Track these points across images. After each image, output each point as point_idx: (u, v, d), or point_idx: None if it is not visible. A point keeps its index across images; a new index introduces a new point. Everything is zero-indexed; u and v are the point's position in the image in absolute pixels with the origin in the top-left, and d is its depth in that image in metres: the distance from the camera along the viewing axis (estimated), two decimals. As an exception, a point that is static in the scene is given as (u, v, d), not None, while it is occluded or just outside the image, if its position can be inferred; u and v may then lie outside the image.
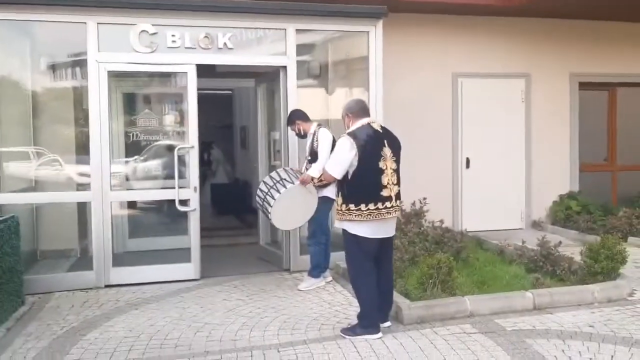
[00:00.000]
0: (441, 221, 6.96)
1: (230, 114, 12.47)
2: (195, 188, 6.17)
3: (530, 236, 7.03)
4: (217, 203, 10.37)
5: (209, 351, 4.20)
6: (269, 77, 7.34)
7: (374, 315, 4.36)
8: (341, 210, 4.31)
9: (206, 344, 4.35)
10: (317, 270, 5.80)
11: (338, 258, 6.21)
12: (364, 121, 4.40)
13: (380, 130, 4.38)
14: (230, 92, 11.95)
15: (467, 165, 8.58)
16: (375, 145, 4.27)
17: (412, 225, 6.88)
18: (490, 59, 8.50)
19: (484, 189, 8.57)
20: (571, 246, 6.87)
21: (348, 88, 7.54)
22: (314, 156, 5.64)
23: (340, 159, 4.26)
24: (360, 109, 4.48)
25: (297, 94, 6.46)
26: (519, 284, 5.44)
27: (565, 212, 8.65)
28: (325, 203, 5.71)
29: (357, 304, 4.90)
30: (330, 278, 5.96)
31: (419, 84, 8.23)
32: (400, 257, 5.84)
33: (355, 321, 4.47)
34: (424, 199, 7.56)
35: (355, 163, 4.22)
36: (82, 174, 6.27)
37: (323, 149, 5.53)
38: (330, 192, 5.75)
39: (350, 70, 7.50)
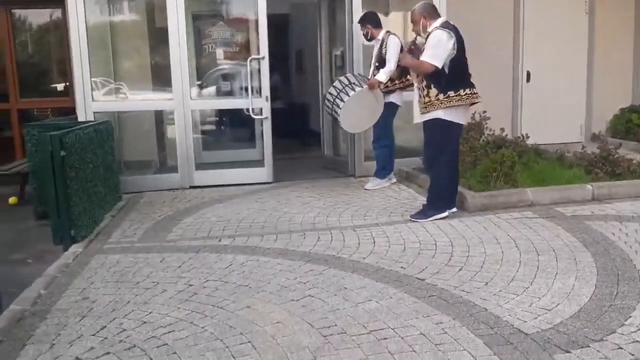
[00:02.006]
0: (502, 129, 7.17)
1: (286, 38, 12.70)
2: (267, 97, 6.58)
3: (590, 148, 7.16)
4: (276, 127, 10.81)
5: (292, 230, 4.71)
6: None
7: (445, 196, 4.82)
8: (438, 99, 4.63)
9: (289, 225, 4.86)
10: (383, 171, 6.19)
11: (402, 163, 6.59)
12: (441, 19, 4.72)
13: (456, 27, 4.66)
14: (285, 15, 12.14)
15: (528, 79, 8.64)
16: (460, 37, 4.63)
17: (473, 133, 7.11)
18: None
19: (545, 102, 8.63)
20: (630, 154, 6.97)
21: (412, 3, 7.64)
22: (381, 62, 5.91)
23: (442, 48, 4.55)
24: (434, 10, 4.82)
25: (361, 9, 6.65)
26: (579, 183, 5.68)
27: (625, 125, 8.68)
28: (390, 108, 6.02)
29: (423, 198, 5.32)
30: (394, 180, 6.34)
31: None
32: (462, 159, 6.14)
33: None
34: (484, 112, 7.73)
35: (454, 52, 4.56)
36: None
37: (392, 54, 5.79)
38: (396, 98, 6.07)
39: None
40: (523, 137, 6.61)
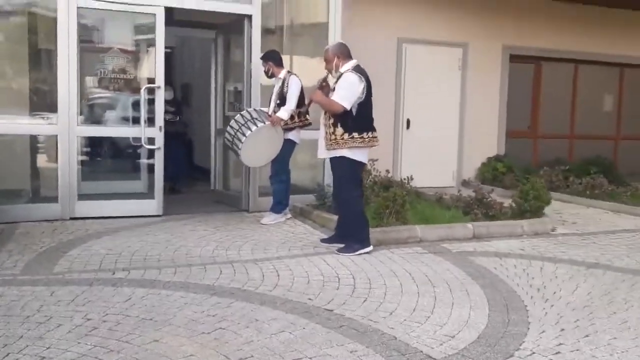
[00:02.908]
0: (387, 171, 7.57)
1: (169, 72, 12.50)
2: (160, 127, 6.42)
3: (463, 192, 7.77)
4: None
5: (192, 264, 4.57)
6: (229, 28, 7.61)
7: (366, 229, 4.98)
8: (342, 139, 4.79)
9: (187, 259, 4.72)
10: (279, 206, 6.25)
11: (295, 200, 6.69)
12: (353, 62, 4.93)
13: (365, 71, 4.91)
14: (169, 50, 12.00)
15: (408, 126, 9.24)
16: (369, 82, 4.88)
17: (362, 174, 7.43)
18: (432, 27, 9.14)
19: (422, 148, 9.26)
20: (500, 199, 7.65)
21: (305, 46, 7.93)
22: (282, 100, 6.04)
23: (353, 91, 4.76)
24: (348, 51, 5.00)
25: (260, 44, 6.78)
26: (459, 222, 6.12)
27: (492, 173, 9.53)
28: (288, 145, 6.15)
29: (319, 233, 5.45)
30: (289, 215, 6.42)
31: (366, 47, 8.68)
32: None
33: (338, 245, 5.03)
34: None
35: (363, 96, 4.77)
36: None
37: (293, 93, 5.96)
38: (295, 136, 6.21)
39: (309, 30, 7.89)
40: (408, 179, 7.01)
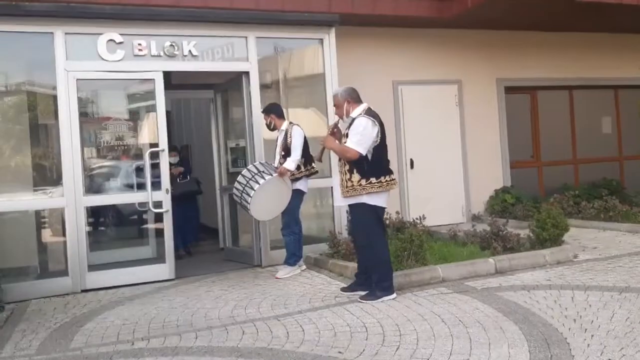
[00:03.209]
0: (397, 212, 7.49)
1: (169, 134, 12.55)
2: (167, 190, 6.36)
3: (475, 227, 7.66)
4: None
5: (212, 326, 4.42)
6: (226, 86, 7.67)
7: (391, 276, 4.84)
8: (360, 185, 4.70)
9: (206, 322, 4.57)
10: (293, 258, 6.13)
11: (307, 250, 6.57)
12: (364, 106, 4.88)
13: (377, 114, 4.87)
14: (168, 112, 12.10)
15: (412, 166, 9.20)
16: (382, 125, 4.81)
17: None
18: (426, 67, 9.23)
19: (428, 187, 9.20)
20: (514, 230, 7.54)
21: (303, 97, 7.98)
22: (287, 152, 6.01)
23: (367, 135, 4.68)
24: (358, 96, 4.95)
25: (259, 98, 6.81)
26: (477, 257, 5.99)
27: (501, 205, 9.44)
28: (297, 195, 6.08)
29: (338, 282, 5.33)
30: (304, 267, 6.29)
31: (362, 91, 8.77)
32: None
33: (359, 293, 4.91)
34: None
35: (378, 139, 4.71)
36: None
37: (297, 143, 5.93)
38: (302, 185, 6.15)
39: (305, 81, 7.96)
40: (420, 218, 6.92)
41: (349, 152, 4.71)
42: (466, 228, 7.39)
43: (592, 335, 3.62)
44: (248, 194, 5.70)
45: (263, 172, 5.79)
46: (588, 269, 5.46)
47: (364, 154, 4.68)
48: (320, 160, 5.55)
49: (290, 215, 6.10)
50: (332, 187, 7.14)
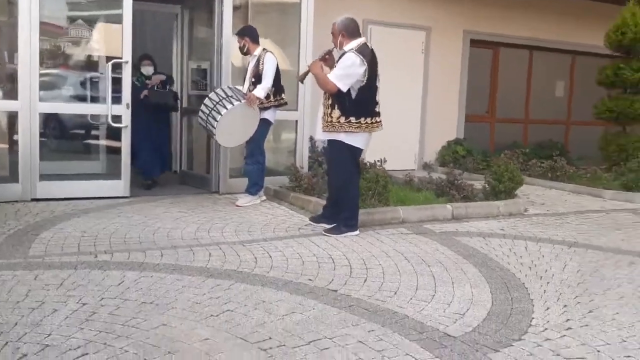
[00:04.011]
0: (357, 153, 7.53)
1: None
2: (127, 105, 6.10)
3: (424, 175, 7.83)
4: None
5: (176, 246, 4.38)
6: (194, 3, 7.33)
7: (357, 215, 4.89)
8: (339, 122, 4.64)
9: (169, 241, 4.52)
10: (255, 187, 6.09)
11: (267, 182, 6.54)
12: (360, 40, 4.72)
13: (374, 51, 4.74)
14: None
15: (372, 108, 9.19)
16: (374, 64, 4.69)
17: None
18: (398, 10, 9.15)
19: (385, 132, 9.20)
20: (468, 181, 7.77)
21: (275, 26, 7.74)
22: (258, 79, 5.85)
23: (351, 73, 4.56)
24: (355, 29, 4.75)
25: (231, 19, 6.53)
26: (434, 203, 6.16)
27: (452, 156, 9.68)
28: (263, 125, 5.98)
29: (300, 216, 5.37)
30: (264, 197, 6.27)
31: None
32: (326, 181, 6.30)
33: (324, 226, 4.96)
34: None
35: (364, 80, 4.58)
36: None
37: (269, 71, 5.78)
38: (270, 115, 6.05)
39: (278, 9, 7.70)
40: (381, 161, 6.98)
41: (329, 84, 4.63)
42: (419, 175, 7.56)
43: (548, 283, 3.84)
44: (215, 118, 5.55)
45: (231, 97, 5.64)
46: (538, 223, 5.74)
47: (343, 89, 4.60)
48: (302, 81, 5.43)
49: (256, 144, 6.02)
50: (296, 121, 7.09)
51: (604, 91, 9.69)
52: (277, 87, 6.00)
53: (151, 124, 6.72)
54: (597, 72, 9.42)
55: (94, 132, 6.74)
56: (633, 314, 3.33)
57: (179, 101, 7.31)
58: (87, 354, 2.52)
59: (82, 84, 6.61)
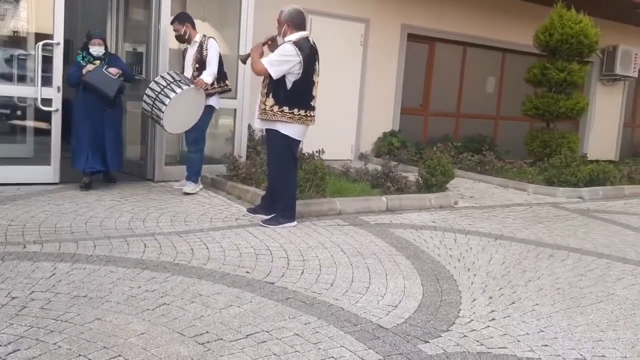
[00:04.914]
0: (295, 142, 7.57)
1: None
2: (58, 88, 5.88)
3: (360, 166, 7.99)
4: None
5: (110, 236, 4.30)
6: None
7: (295, 206, 4.94)
8: (272, 110, 4.67)
9: (102, 231, 4.43)
10: (197, 176, 6.03)
11: (204, 170, 6.47)
12: (302, 34, 4.75)
13: (314, 46, 4.76)
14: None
15: (310, 98, 9.25)
16: (312, 59, 4.72)
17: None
18: (338, 1, 9.20)
19: (322, 122, 9.30)
20: (403, 173, 7.99)
21: (213, 12, 7.62)
22: (202, 64, 5.78)
23: (284, 60, 4.59)
24: (301, 22, 4.78)
25: (170, 3, 6.40)
26: (369, 194, 6.31)
27: (387, 147, 9.90)
28: (208, 112, 5.93)
29: (237, 205, 5.38)
30: (201, 186, 6.22)
31: (274, 14, 8.58)
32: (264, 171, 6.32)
33: (261, 217, 4.99)
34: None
35: (298, 72, 4.62)
36: None
37: (213, 57, 5.74)
38: (214, 101, 6.01)
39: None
40: (320, 152, 7.07)
41: (258, 65, 4.66)
42: (355, 166, 7.70)
43: (475, 275, 4.04)
44: (163, 102, 5.43)
45: (180, 81, 5.54)
46: (467, 215, 5.99)
47: (273, 75, 4.62)
48: (244, 62, 5.39)
49: (199, 132, 5.96)
50: (235, 109, 7.05)
51: (531, 88, 10.16)
52: (221, 73, 5.96)
53: (91, 109, 5.82)
54: (526, 71, 9.86)
55: (21, 114, 6.44)
56: (551, 305, 3.57)
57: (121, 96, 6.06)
58: (19, 349, 2.47)
59: (8, 62, 6.29)
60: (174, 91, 5.42)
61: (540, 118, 9.66)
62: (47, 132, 6.00)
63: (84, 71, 5.71)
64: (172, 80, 5.53)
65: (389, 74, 10.06)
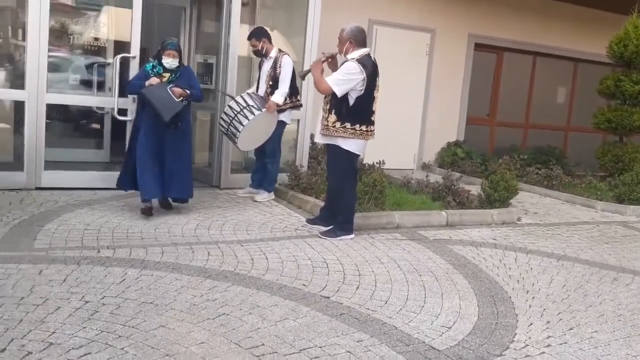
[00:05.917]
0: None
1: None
2: (134, 98, 6.20)
3: (422, 176, 7.96)
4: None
5: (177, 243, 4.52)
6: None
7: (353, 219, 5.05)
8: (334, 127, 4.79)
9: (170, 238, 4.65)
10: (272, 185, 6.25)
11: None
12: (364, 51, 4.86)
13: (375, 62, 4.86)
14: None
15: (374, 108, 9.30)
16: (374, 75, 4.83)
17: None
18: (404, 11, 9.21)
19: (386, 131, 9.34)
20: (466, 186, 7.90)
21: (282, 23, 7.82)
22: (275, 82, 5.95)
23: (348, 79, 4.70)
24: (363, 39, 4.90)
25: (239, 15, 6.61)
26: (429, 208, 6.29)
27: (451, 157, 9.80)
28: (280, 126, 6.15)
29: (297, 215, 5.50)
30: (273, 195, 6.38)
31: (337, 25, 8.67)
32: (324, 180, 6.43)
33: (320, 228, 5.11)
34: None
35: (361, 88, 4.72)
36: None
37: (286, 75, 5.90)
38: (286, 117, 6.21)
39: (285, 5, 7.77)
40: (380, 163, 7.10)
41: (323, 85, 4.75)
42: (417, 176, 7.68)
43: (534, 297, 3.98)
44: (236, 128, 5.68)
45: (252, 106, 5.71)
46: (530, 233, 5.88)
47: (338, 94, 4.71)
48: (303, 78, 5.52)
49: (276, 145, 6.19)
50: (298, 120, 7.20)
51: (603, 99, 9.80)
52: (293, 88, 6.11)
53: (154, 129, 5.13)
54: (599, 82, 9.51)
55: (99, 123, 6.84)
56: (610, 332, 3.47)
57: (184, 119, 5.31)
58: (89, 353, 2.67)
59: (88, 68, 6.69)
60: (247, 117, 5.61)
61: (613, 132, 9.29)
62: (123, 139, 6.34)
63: (146, 83, 5.09)
64: (245, 105, 5.68)
65: (454, 84, 9.97)
